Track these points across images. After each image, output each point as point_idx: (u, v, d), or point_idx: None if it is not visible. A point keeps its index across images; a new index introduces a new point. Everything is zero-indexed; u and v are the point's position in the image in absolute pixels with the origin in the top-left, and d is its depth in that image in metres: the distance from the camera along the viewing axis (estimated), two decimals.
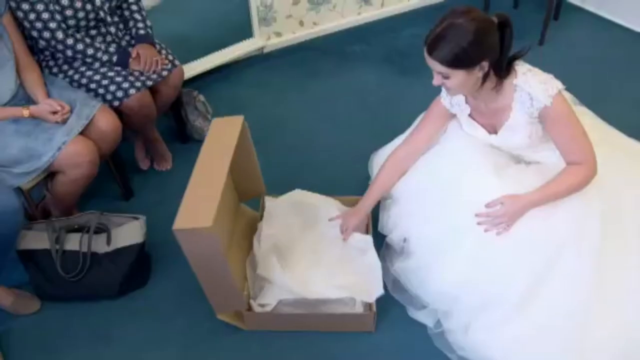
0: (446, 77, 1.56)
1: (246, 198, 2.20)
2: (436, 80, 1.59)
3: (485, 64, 1.53)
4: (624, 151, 1.84)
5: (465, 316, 1.72)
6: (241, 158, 1.98)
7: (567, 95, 2.04)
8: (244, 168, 2.05)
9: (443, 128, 1.91)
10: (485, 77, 1.58)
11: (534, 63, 1.80)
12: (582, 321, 1.58)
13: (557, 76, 2.05)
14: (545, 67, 1.79)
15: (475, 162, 1.74)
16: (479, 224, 1.65)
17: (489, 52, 1.52)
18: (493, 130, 1.75)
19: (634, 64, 3.22)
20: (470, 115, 1.78)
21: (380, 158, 2.13)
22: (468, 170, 1.74)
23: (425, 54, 1.54)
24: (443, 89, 1.78)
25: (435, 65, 1.54)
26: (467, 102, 1.77)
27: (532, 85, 1.57)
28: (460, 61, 1.50)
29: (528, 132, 1.66)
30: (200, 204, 1.61)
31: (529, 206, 1.61)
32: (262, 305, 1.85)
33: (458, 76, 1.54)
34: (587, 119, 1.98)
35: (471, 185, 1.71)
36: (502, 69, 1.58)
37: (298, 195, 2.13)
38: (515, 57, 1.62)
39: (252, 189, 2.17)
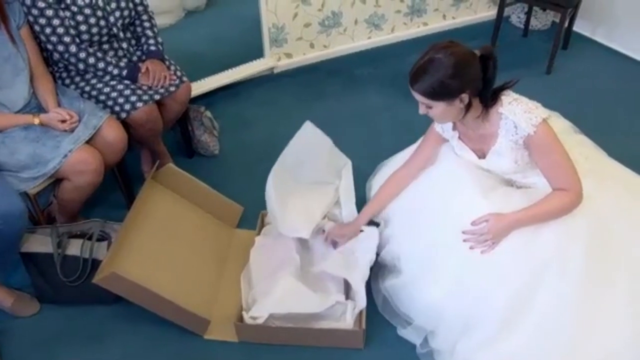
0: (429, 107, 1.63)
1: (234, 222, 2.36)
2: (421, 110, 1.67)
3: (465, 96, 1.59)
4: (615, 181, 1.85)
5: (451, 335, 1.74)
6: (196, 196, 2.26)
7: (566, 124, 2.08)
8: (206, 202, 2.28)
9: (439, 150, 1.96)
10: (468, 107, 1.63)
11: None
12: (566, 343, 1.59)
13: (562, 105, 2.08)
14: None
15: (464, 183, 1.77)
16: (464, 241, 1.68)
17: (468, 85, 1.57)
18: (482, 154, 1.79)
19: None
20: (460, 138, 1.83)
21: (375, 183, 2.19)
22: (457, 190, 1.78)
23: (409, 86, 1.61)
24: None
25: (418, 97, 1.62)
26: (454, 128, 1.82)
27: (517, 114, 1.61)
28: (439, 94, 1.57)
29: (514, 158, 1.70)
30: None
31: (514, 224, 1.64)
32: (254, 318, 1.88)
33: (439, 107, 1.61)
34: (584, 148, 2.00)
35: (459, 205, 1.75)
36: (487, 99, 1.64)
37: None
38: (503, 88, 1.67)
39: (230, 213, 2.36)
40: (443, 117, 1.68)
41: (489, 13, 4.05)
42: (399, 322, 1.91)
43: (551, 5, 3.34)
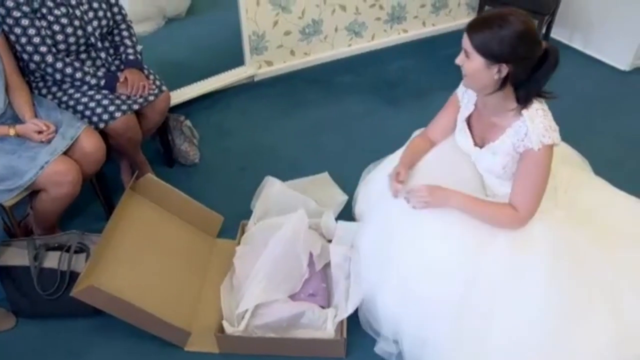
0: (467, 57, 1.57)
1: (215, 232, 2.34)
2: (459, 59, 1.61)
3: (505, 70, 1.53)
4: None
5: (414, 347, 1.75)
6: (176, 206, 2.23)
7: (573, 154, 2.08)
8: (186, 212, 2.26)
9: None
10: (502, 85, 1.57)
11: None
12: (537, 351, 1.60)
13: None
14: None
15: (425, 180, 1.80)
16: (405, 198, 1.74)
17: (515, 60, 1.51)
18: (481, 143, 1.78)
19: (617, 100, 3.30)
20: (468, 119, 1.81)
21: (363, 194, 2.22)
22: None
23: (465, 30, 1.57)
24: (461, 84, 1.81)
25: (465, 42, 1.56)
26: (475, 103, 1.79)
27: (536, 124, 1.57)
28: (485, 47, 1.51)
29: (504, 163, 1.69)
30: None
31: (452, 199, 1.69)
32: (242, 314, 1.87)
33: (476, 61, 1.55)
34: (577, 173, 1.99)
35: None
36: (527, 94, 1.58)
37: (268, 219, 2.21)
38: (541, 94, 1.62)
39: (210, 223, 2.34)
40: (473, 77, 1.59)
41: (467, 20, 4.00)
42: (374, 333, 1.91)
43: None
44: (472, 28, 1.54)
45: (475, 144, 1.79)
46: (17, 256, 1.94)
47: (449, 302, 1.65)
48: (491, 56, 1.52)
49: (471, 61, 1.56)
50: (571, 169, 1.99)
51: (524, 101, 1.60)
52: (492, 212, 1.67)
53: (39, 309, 1.99)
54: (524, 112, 1.59)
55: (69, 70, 2.15)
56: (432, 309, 1.67)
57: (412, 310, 1.72)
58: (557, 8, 3.52)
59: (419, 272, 1.69)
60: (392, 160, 2.17)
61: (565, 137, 2.12)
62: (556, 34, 3.83)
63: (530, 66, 1.54)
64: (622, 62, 3.59)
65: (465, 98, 1.83)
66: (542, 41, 1.54)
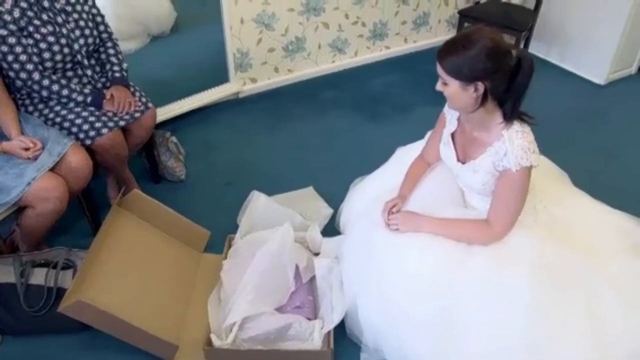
0: (445, 84, 1.60)
1: (201, 247, 2.36)
2: (438, 85, 1.64)
3: (481, 87, 1.55)
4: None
5: (395, 358, 1.78)
6: (163, 222, 2.25)
7: (553, 168, 2.13)
8: (173, 227, 2.27)
9: None
10: (483, 101, 1.60)
11: None
12: None
13: None
14: None
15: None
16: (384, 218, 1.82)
17: (487, 76, 1.54)
18: (463, 158, 1.81)
19: (593, 113, 3.38)
20: (453, 134, 1.84)
21: (347, 212, 2.24)
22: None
23: (436, 57, 1.60)
24: None
25: (438, 69, 1.59)
26: (458, 119, 1.82)
27: (515, 145, 1.60)
28: (457, 71, 1.54)
29: (484, 180, 1.72)
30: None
31: (424, 225, 1.75)
32: (230, 327, 1.88)
33: (454, 86, 1.58)
34: (558, 186, 2.03)
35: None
36: (509, 104, 1.60)
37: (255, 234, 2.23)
38: (522, 116, 1.64)
39: (197, 238, 2.36)
40: (455, 100, 1.63)
41: (448, 36, 4.14)
42: (358, 341, 1.93)
43: (506, 28, 3.47)
44: (441, 54, 1.57)
45: (458, 159, 1.82)
46: (3, 273, 1.94)
47: (432, 317, 1.67)
48: (464, 78, 1.55)
49: (448, 86, 1.60)
50: (551, 182, 2.03)
51: (510, 115, 1.62)
52: (465, 231, 1.72)
53: (25, 326, 1.97)
54: (504, 132, 1.62)
55: (55, 87, 2.16)
56: (415, 325, 1.69)
57: (395, 325, 1.74)
58: (534, 24, 3.62)
59: (401, 288, 1.71)
60: (379, 175, 2.21)
61: (544, 150, 2.16)
62: (533, 48, 3.93)
63: (506, 77, 1.56)
64: (598, 76, 3.70)
65: (449, 114, 1.87)
66: (513, 50, 1.56)
